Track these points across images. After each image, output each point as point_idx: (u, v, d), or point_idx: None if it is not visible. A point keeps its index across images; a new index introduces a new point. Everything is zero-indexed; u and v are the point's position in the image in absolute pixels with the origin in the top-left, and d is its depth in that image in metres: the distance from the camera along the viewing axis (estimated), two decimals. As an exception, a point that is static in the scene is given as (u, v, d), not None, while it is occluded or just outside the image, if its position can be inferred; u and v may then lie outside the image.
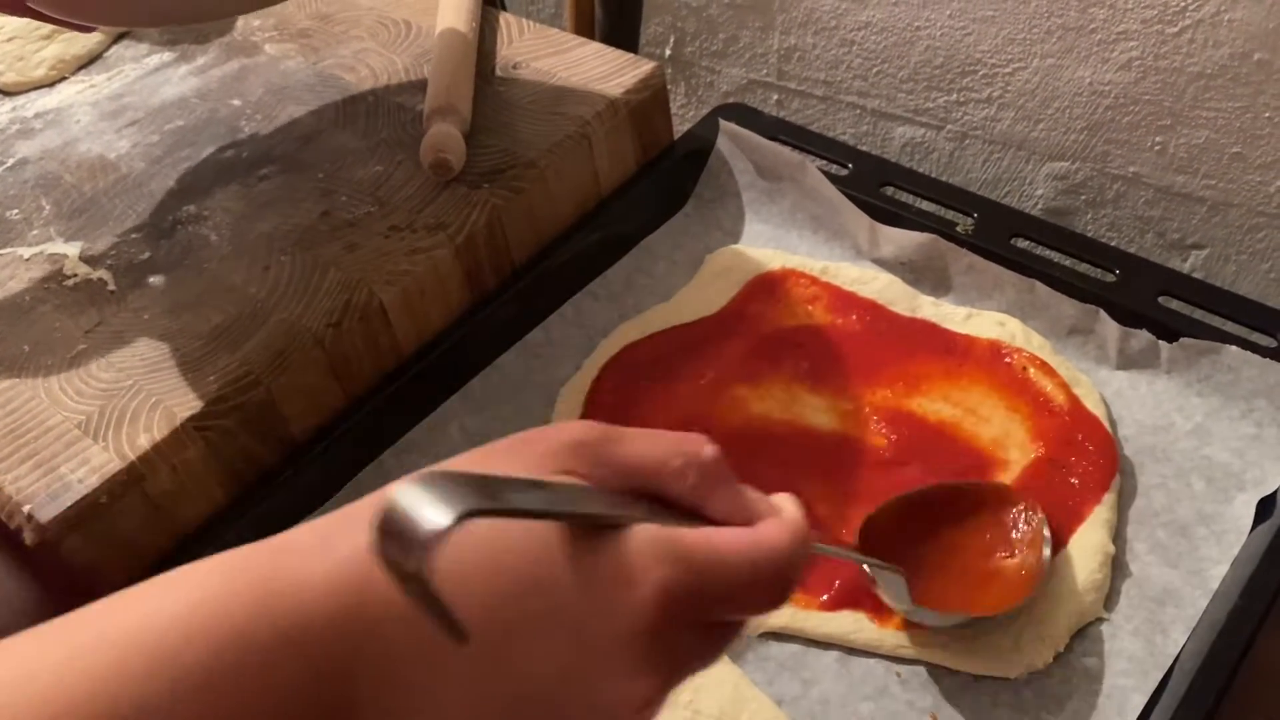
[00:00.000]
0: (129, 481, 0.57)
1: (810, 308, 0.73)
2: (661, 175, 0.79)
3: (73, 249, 0.70)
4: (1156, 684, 0.54)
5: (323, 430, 0.65)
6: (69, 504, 0.55)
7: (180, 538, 0.60)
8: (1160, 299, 0.67)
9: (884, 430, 0.66)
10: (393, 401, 0.66)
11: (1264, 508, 0.59)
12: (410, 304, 0.66)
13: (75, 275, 0.68)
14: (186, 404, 0.59)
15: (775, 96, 0.93)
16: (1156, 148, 0.76)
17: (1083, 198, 0.82)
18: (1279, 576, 0.55)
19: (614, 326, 0.73)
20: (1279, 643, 0.56)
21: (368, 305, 0.64)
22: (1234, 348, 0.63)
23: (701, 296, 0.74)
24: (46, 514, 0.55)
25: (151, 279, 0.67)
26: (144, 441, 0.57)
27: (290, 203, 0.70)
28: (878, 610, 0.58)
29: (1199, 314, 0.66)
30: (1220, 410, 0.64)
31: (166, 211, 0.71)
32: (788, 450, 0.65)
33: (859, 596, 0.58)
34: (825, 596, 0.58)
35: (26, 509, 0.55)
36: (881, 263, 0.75)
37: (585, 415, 0.68)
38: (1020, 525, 0.59)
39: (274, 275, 0.66)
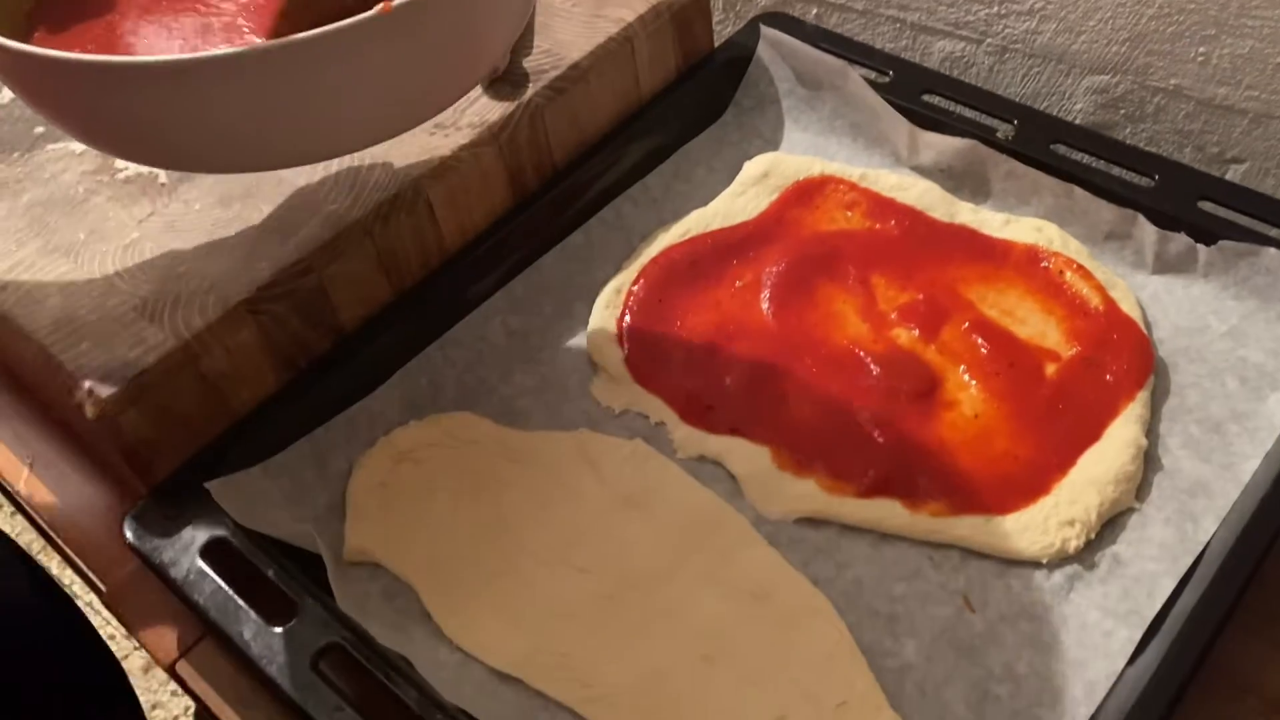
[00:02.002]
0: (184, 360, 0.58)
1: (848, 213, 0.74)
2: (702, 82, 0.79)
3: (124, 144, 0.71)
4: (1186, 569, 0.55)
5: (371, 321, 0.66)
6: (127, 378, 0.57)
7: (235, 419, 0.62)
8: (1200, 204, 0.67)
9: (920, 335, 0.67)
10: (437, 296, 0.68)
11: (1297, 405, 0.60)
12: (455, 201, 0.67)
13: (126, 169, 0.69)
14: (239, 288, 0.60)
15: (814, 10, 0.93)
16: (1199, 58, 0.76)
17: (1122, 112, 0.82)
18: (1310, 469, 0.56)
19: (653, 231, 0.74)
20: (1308, 532, 0.57)
21: (414, 200, 0.65)
22: (1273, 249, 0.63)
23: (740, 202, 0.75)
24: (105, 389, 0.56)
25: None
26: (199, 322, 0.59)
27: (336, 101, 0.71)
28: (912, 498, 0.59)
29: (1238, 218, 0.66)
30: (1256, 312, 0.64)
31: (215, 110, 0.72)
32: (823, 356, 0.66)
33: (893, 485, 0.60)
34: (859, 485, 0.60)
35: (87, 385, 0.57)
36: (920, 170, 0.75)
37: (623, 315, 0.69)
38: None
39: (323, 170, 0.67)
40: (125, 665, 1.55)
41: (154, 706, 1.55)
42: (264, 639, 0.53)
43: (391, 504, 0.61)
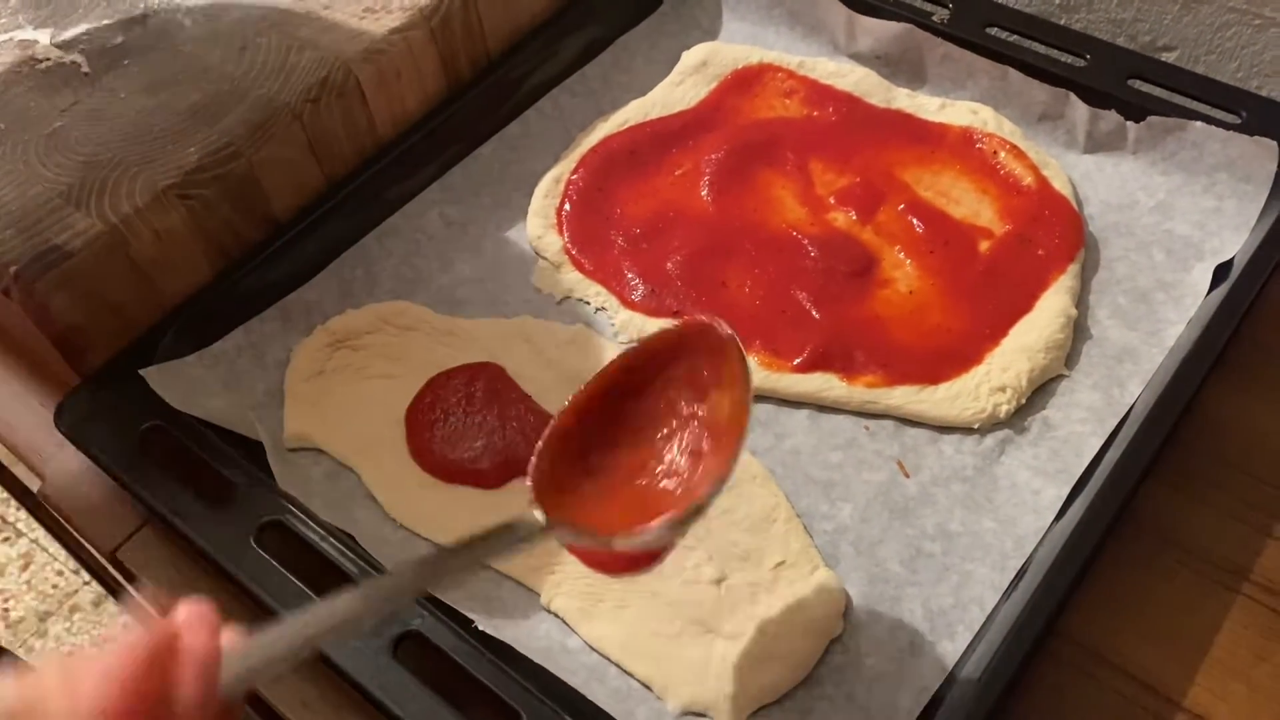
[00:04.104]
0: (113, 244, 0.57)
1: (787, 101, 0.74)
2: (638, -29, 0.78)
3: (43, 35, 0.69)
4: (1111, 430, 0.56)
5: (305, 210, 0.65)
6: (55, 264, 0.56)
7: (169, 308, 0.61)
8: (1130, 81, 0.68)
9: (857, 217, 0.67)
10: (373, 185, 0.67)
11: (1221, 273, 0.61)
12: (386, 84, 0.66)
13: (48, 60, 0.67)
14: (167, 173, 0.59)
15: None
16: (1132, -56, 0.76)
17: (1056, 2, 0.83)
18: (1229, 331, 0.57)
19: (591, 122, 0.73)
20: (1226, 391, 0.59)
21: (344, 83, 0.64)
22: (1199, 123, 0.65)
23: (678, 92, 0.75)
24: (32, 272, 0.55)
25: (125, 61, 0.66)
26: (126, 207, 0.58)
27: (264, -11, 0.70)
28: (848, 371, 0.60)
29: (1167, 95, 0.67)
30: (1183, 186, 0.66)
31: (138, 0, 0.70)
32: (761, 239, 0.66)
33: (831, 359, 0.60)
34: (798, 360, 0.60)
35: (13, 269, 0.56)
36: (858, 57, 0.75)
37: (562, 204, 0.69)
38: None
39: (250, 56, 0.65)
40: (76, 599, 1.55)
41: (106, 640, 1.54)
42: (205, 520, 0.53)
43: (330, 390, 0.61)
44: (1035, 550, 0.53)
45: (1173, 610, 0.52)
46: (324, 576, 0.51)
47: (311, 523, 0.53)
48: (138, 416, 0.57)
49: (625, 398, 0.46)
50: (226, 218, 0.62)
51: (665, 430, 0.45)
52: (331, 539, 0.52)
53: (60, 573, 1.56)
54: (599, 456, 0.45)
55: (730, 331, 0.45)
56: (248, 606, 0.51)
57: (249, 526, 0.52)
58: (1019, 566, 0.52)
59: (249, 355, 0.62)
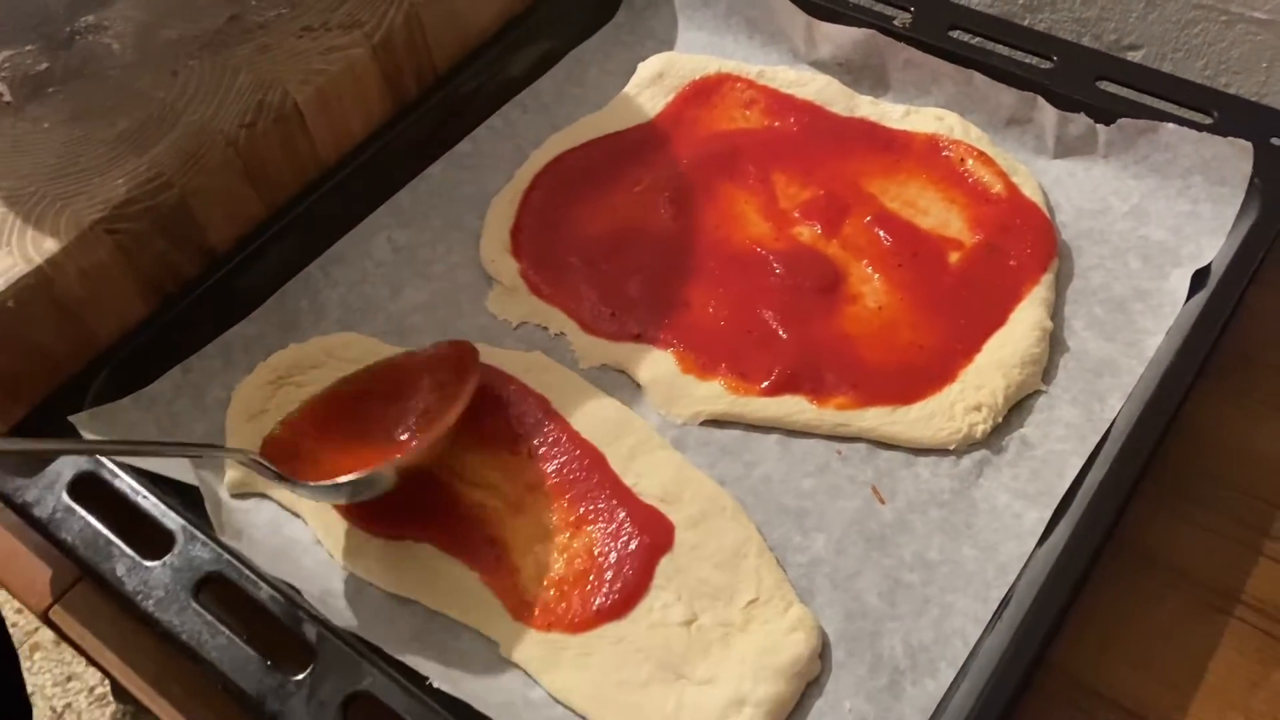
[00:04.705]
0: (37, 286, 0.54)
1: (747, 112, 0.71)
2: (590, -19, 0.75)
3: (-37, 63, 0.65)
4: (1093, 448, 0.54)
5: (244, 240, 0.62)
6: (-27, 308, 0.52)
7: (100, 349, 0.58)
8: (1098, 83, 0.66)
9: (822, 231, 0.65)
10: (316, 211, 0.64)
11: (1198, 279, 0.59)
12: (327, 106, 0.63)
13: (-33, 89, 0.64)
14: (94, 206, 0.56)
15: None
16: (1095, -59, 0.75)
17: (1019, 3, 0.81)
18: (1210, 341, 0.55)
19: (545, 137, 0.71)
20: (1210, 403, 0.57)
21: (282, 106, 0.61)
22: (1171, 125, 0.63)
23: (635, 104, 0.72)
24: (-50, 319, 0.52)
25: (50, 89, 0.63)
26: (50, 245, 0.55)
27: (196, 8, 0.66)
28: (818, 393, 0.57)
29: (1137, 97, 0.65)
30: (1157, 190, 0.64)
31: (62, 23, 0.67)
32: (725, 256, 0.64)
33: (799, 381, 0.58)
34: (765, 383, 0.58)
35: (-72, 315, 0.52)
36: (819, 64, 0.73)
37: (517, 225, 0.66)
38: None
39: (182, 79, 0.62)
40: (37, 637, 1.50)
41: (69, 678, 1.50)
42: (140, 574, 0.50)
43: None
44: (1018, 578, 0.50)
45: (1163, 636, 0.50)
46: (269, 632, 0.48)
47: (254, 575, 0.49)
48: (68, 465, 0.54)
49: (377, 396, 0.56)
50: (159, 251, 0.58)
51: (398, 422, 0.55)
52: (276, 592, 0.49)
53: (20, 610, 1.51)
54: (343, 434, 0.54)
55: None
56: (187, 666, 0.48)
57: (187, 581, 0.49)
58: (1001, 596, 0.50)
59: (187, 396, 0.58)
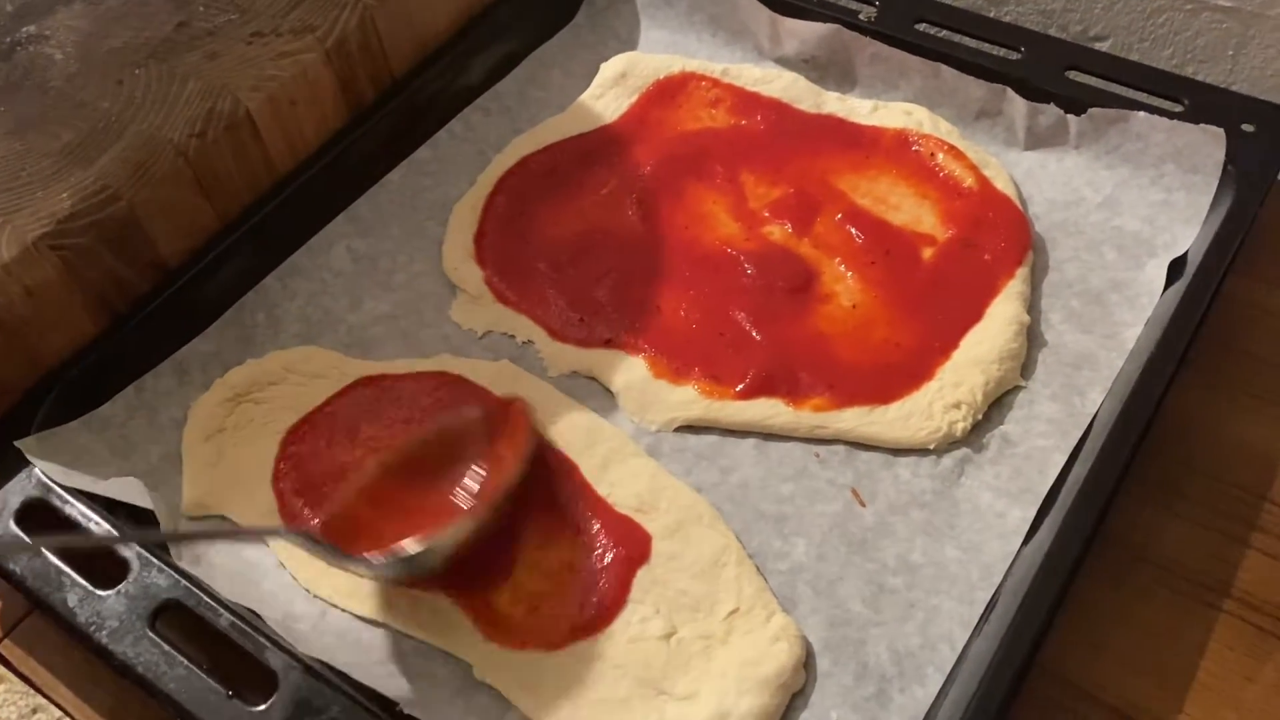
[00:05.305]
0: (-22, 306, 0.52)
1: (713, 111, 0.70)
2: (549, -19, 0.74)
3: (-102, 77, 0.63)
4: (1075, 443, 0.53)
5: (197, 254, 0.60)
6: (-90, 330, 0.50)
7: (47, 370, 0.56)
8: (1068, 73, 0.65)
9: (793, 230, 0.63)
10: (271, 222, 0.62)
11: (1175, 269, 0.58)
12: (280, 113, 0.61)
13: (-97, 104, 0.61)
14: (38, 222, 0.54)
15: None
16: (1057, -69, 0.74)
17: (984, -4, 0.80)
18: (1190, 331, 0.54)
19: (507, 141, 0.69)
20: (1192, 394, 0.56)
21: (233, 113, 0.59)
22: (1142, 113, 0.62)
23: (599, 105, 0.70)
24: (-115, 342, 0.50)
25: (-10, 102, 0.61)
26: (-9, 263, 0.52)
27: (141, 16, 0.64)
28: (794, 395, 0.56)
29: (1106, 86, 0.64)
30: (1129, 180, 0.63)
31: (2, 34, 0.65)
32: (695, 258, 0.62)
33: (775, 384, 0.56)
34: (740, 386, 0.56)
35: None
36: (784, 61, 0.72)
37: (480, 231, 0.64)
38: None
39: (128, 89, 0.60)
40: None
41: (34, 710, 1.45)
42: (93, 604, 0.48)
43: (232, 450, 0.55)
44: (1004, 579, 0.49)
45: (1153, 634, 0.49)
46: (229, 660, 0.46)
47: (214, 601, 0.47)
48: (15, 493, 0.51)
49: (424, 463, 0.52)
50: (108, 267, 0.56)
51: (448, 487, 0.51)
52: (237, 618, 0.47)
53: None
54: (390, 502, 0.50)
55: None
56: (145, 699, 0.45)
57: (143, 610, 0.47)
58: (987, 598, 0.49)
59: (141, 417, 0.56)
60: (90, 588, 0.48)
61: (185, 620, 0.47)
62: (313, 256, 0.63)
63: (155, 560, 0.49)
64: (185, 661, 0.45)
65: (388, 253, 0.64)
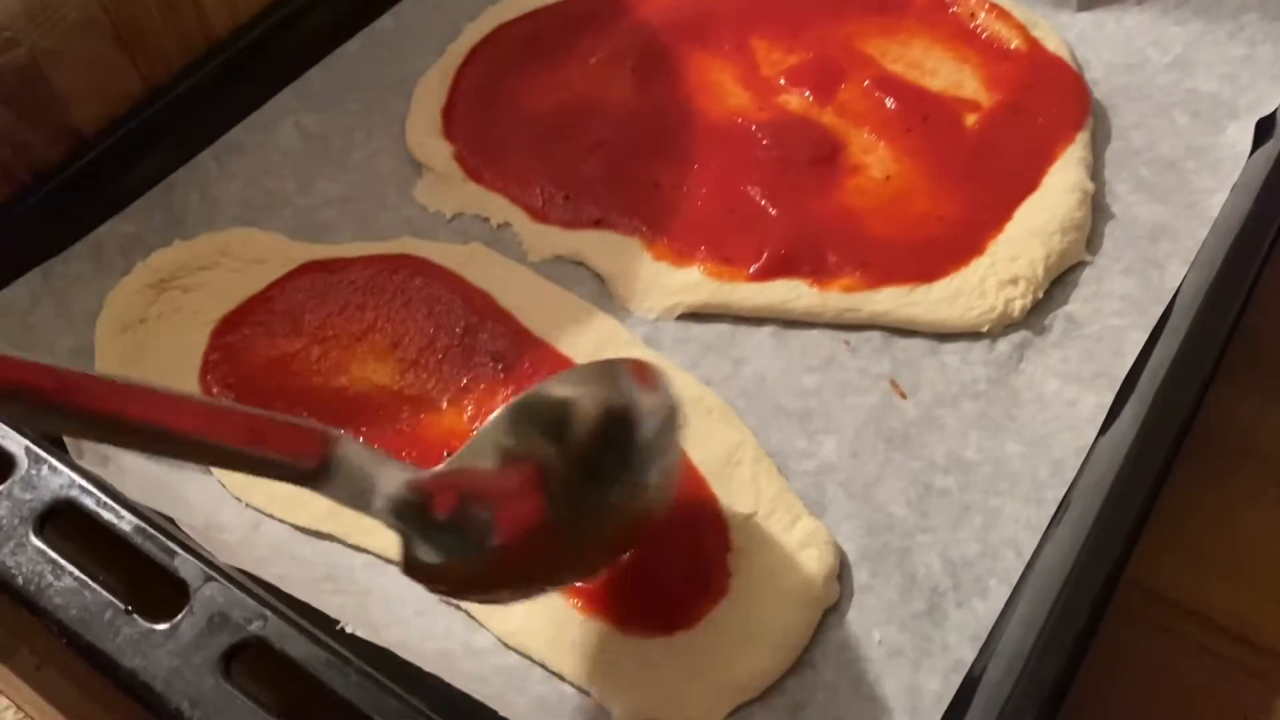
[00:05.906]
0: None
1: (719, -26, 0.61)
2: None
3: None
4: (1156, 320, 0.45)
5: (118, 121, 0.51)
6: None
7: (-66, 247, 0.47)
8: (1127, -81, 0.56)
9: (813, 98, 0.55)
10: (206, 91, 0.53)
11: (1263, 130, 0.50)
12: (217, -40, 0.52)
13: None
14: (-83, 68, 0.45)
15: None
16: None
17: None
18: (1287, 195, 0.46)
19: (481, 10, 0.61)
20: (1292, 266, 0.47)
21: (159, -46, 0.50)
22: (1220, -44, 0.53)
23: (587, -28, 0.62)
24: None
25: (-125, -54, 0.52)
26: None
27: None
28: (819, 275, 0.47)
29: (1173, -68, 0.56)
30: (1203, 36, 0.54)
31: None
32: (699, 130, 0.54)
33: (796, 263, 0.48)
34: (754, 267, 0.48)
35: None
36: (799, -80, 0.63)
37: (450, 104, 0.56)
38: None
39: (36, -71, 0.51)
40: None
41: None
42: (-29, 509, 0.39)
43: (154, 343, 0.47)
44: (1078, 475, 0.41)
45: (1259, 539, 0.40)
46: (134, 573, 0.37)
47: (115, 504, 0.39)
48: (-114, 386, 0.42)
49: None
50: (7, 127, 0.48)
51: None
52: (145, 523, 0.38)
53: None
54: None
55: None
56: (26, 616, 0.37)
57: (28, 513, 0.38)
58: (1059, 497, 0.40)
59: (49, 304, 0.48)
60: (-31, 489, 0.39)
61: (81, 526, 0.39)
62: (254, 133, 0.54)
63: (49, 458, 0.40)
64: (76, 571, 0.37)
65: (342, 130, 0.56)
